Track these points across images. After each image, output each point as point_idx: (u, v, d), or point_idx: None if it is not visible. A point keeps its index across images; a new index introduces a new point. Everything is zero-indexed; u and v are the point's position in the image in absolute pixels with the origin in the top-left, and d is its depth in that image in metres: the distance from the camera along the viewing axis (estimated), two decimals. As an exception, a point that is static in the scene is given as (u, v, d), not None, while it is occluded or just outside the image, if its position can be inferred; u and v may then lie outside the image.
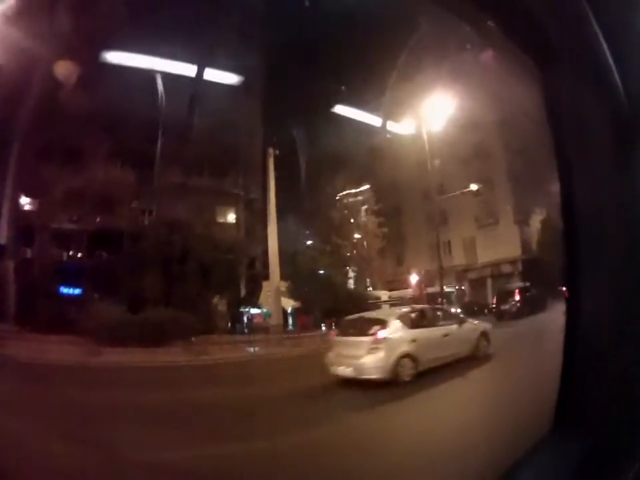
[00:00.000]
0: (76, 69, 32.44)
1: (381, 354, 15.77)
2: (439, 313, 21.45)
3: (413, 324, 17.60)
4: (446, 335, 17.86)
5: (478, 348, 18.59)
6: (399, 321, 17.40)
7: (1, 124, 32.03)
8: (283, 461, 9.15)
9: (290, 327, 38.44)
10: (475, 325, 20.31)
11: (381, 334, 16.30)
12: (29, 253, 35.19)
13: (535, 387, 11.52)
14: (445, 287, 41.86)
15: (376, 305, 40.39)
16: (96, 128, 37.48)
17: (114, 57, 35.74)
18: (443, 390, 14.81)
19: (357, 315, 20.50)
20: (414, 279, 44.10)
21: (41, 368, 18.11)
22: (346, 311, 36.68)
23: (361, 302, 39.68)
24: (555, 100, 4.60)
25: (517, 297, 23.01)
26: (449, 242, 47.81)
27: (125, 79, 35.39)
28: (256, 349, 29.99)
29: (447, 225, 46.62)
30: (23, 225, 34.38)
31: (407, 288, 45.02)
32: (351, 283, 47.62)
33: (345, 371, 16.29)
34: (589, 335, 4.30)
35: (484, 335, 19.42)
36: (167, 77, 38.01)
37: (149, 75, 37.48)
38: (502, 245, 44.55)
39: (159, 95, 37.99)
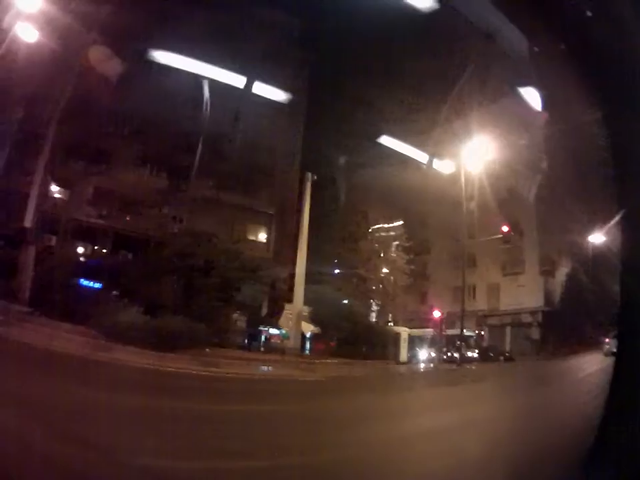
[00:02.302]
0: (122, 61, 33.14)
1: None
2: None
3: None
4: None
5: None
6: None
7: (40, 107, 32.77)
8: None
9: (306, 352, 38.32)
10: None
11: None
12: (52, 241, 35.63)
13: (576, 415, 11.49)
14: (465, 331, 41.56)
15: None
16: (136, 127, 38.11)
17: (161, 55, 36.33)
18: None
19: None
20: (435, 319, 43.85)
21: (47, 354, 18.25)
22: (364, 343, 36.74)
23: (380, 336, 39.55)
24: (617, 130, 4.62)
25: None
26: (474, 286, 47.58)
27: (170, 81, 35.95)
28: (269, 368, 29.85)
29: (474, 268, 46.43)
30: (50, 213, 34.78)
31: (427, 327, 44.79)
32: (372, 316, 47.53)
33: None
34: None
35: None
36: (213, 88, 38.40)
37: (194, 80, 37.92)
38: (525, 295, 44.28)
39: (204, 103, 38.38)
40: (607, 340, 30.75)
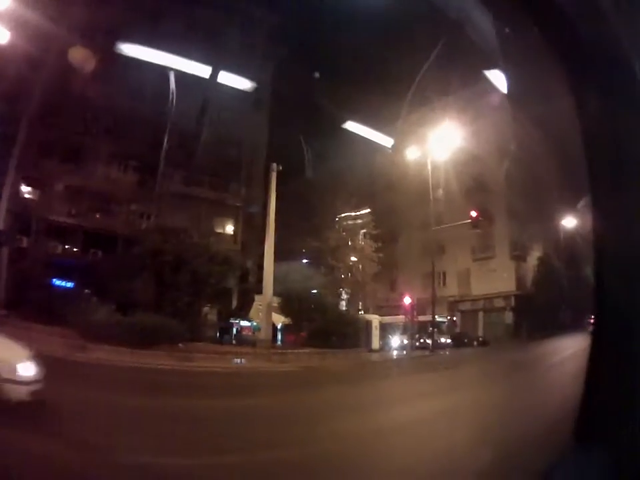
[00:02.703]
0: (89, 58, 32.64)
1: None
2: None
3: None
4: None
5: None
6: None
7: (9, 108, 32.15)
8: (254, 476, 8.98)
9: (278, 343, 38.27)
10: None
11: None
12: (24, 242, 35.17)
13: (557, 398, 11.47)
14: (436, 317, 41.76)
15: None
16: (104, 124, 37.65)
17: (128, 49, 35.83)
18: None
19: None
20: (406, 305, 43.94)
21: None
22: (336, 332, 36.71)
23: (352, 324, 39.55)
24: (587, 115, 4.58)
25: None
26: (444, 272, 47.87)
27: (137, 76, 35.51)
28: (242, 360, 29.76)
29: (443, 254, 46.66)
30: (21, 213, 34.31)
31: (398, 314, 44.95)
32: (343, 305, 47.56)
33: None
34: (615, 351, 4.33)
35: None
36: (178, 82, 38.05)
37: (161, 74, 37.49)
38: (497, 279, 44.61)
39: (170, 98, 38.05)
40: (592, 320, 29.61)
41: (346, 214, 50.18)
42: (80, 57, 32.13)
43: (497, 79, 29.25)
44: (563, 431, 4.85)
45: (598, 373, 4.36)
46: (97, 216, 38.98)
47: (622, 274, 4.18)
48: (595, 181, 4.44)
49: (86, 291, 31.79)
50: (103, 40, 34.37)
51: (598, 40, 4.32)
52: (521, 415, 12.93)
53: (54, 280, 33.37)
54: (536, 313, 39.68)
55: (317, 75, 40.65)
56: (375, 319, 41.62)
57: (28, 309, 26.29)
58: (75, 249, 38.20)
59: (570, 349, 23.65)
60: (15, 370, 10.18)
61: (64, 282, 33.93)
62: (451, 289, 48.20)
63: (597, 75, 4.35)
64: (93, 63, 32.94)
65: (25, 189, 36.68)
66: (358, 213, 50.19)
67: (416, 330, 44.05)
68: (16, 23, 28.08)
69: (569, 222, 38.90)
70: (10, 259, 30.92)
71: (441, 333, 44.33)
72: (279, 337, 39.53)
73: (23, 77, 31.59)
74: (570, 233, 38.16)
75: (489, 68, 28.60)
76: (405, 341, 43.21)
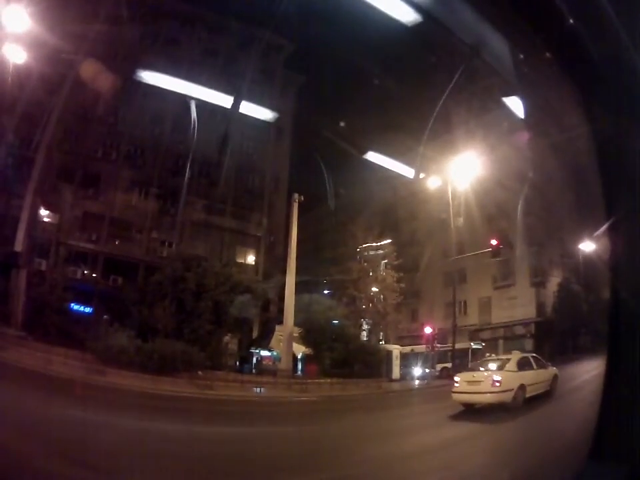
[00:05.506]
0: (110, 83, 33.14)
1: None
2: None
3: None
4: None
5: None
6: None
7: (29, 130, 32.71)
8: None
9: (298, 373, 38.09)
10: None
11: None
12: (43, 265, 35.42)
13: (574, 419, 11.42)
14: (466, 344, 41.34)
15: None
16: (124, 150, 38.12)
17: (149, 76, 36.33)
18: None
19: None
20: (427, 335, 43.64)
21: (42, 378, 18.10)
22: (356, 362, 36.55)
23: (373, 354, 39.38)
24: (601, 135, 4.66)
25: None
26: (465, 301, 47.52)
27: (158, 104, 35.98)
28: (262, 390, 29.73)
29: (464, 283, 46.38)
30: (40, 237, 34.76)
31: (419, 344, 44.64)
32: (364, 335, 47.36)
33: None
34: (630, 372, 4.37)
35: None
36: (202, 110, 38.44)
37: (183, 102, 37.92)
38: (517, 307, 44.15)
39: (194, 126, 38.44)
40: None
41: (367, 244, 50.15)
42: (101, 82, 32.63)
43: (515, 104, 29.30)
44: (579, 450, 4.86)
45: (613, 393, 4.39)
46: (117, 242, 39.38)
47: (638, 295, 4.22)
48: (612, 204, 4.48)
49: (105, 316, 31.94)
50: (124, 66, 34.88)
51: (608, 59, 4.41)
52: (539, 435, 12.85)
53: (73, 304, 33.57)
54: (556, 339, 39.24)
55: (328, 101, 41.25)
56: (396, 349, 41.38)
57: (46, 332, 26.52)
58: (94, 274, 38.42)
59: (589, 372, 23.36)
60: None
61: (83, 307, 34.17)
62: (472, 318, 47.75)
63: (607, 93, 4.43)
64: (114, 89, 33.43)
65: (45, 213, 37.06)
66: (379, 244, 50.13)
67: (436, 359, 43.69)
68: (36, 47, 28.64)
69: (588, 246, 38.46)
70: (28, 282, 31.17)
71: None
72: (300, 366, 39.36)
73: (43, 101, 32.12)
74: (589, 257, 37.68)
75: (506, 94, 28.67)
76: (426, 371, 42.85)
